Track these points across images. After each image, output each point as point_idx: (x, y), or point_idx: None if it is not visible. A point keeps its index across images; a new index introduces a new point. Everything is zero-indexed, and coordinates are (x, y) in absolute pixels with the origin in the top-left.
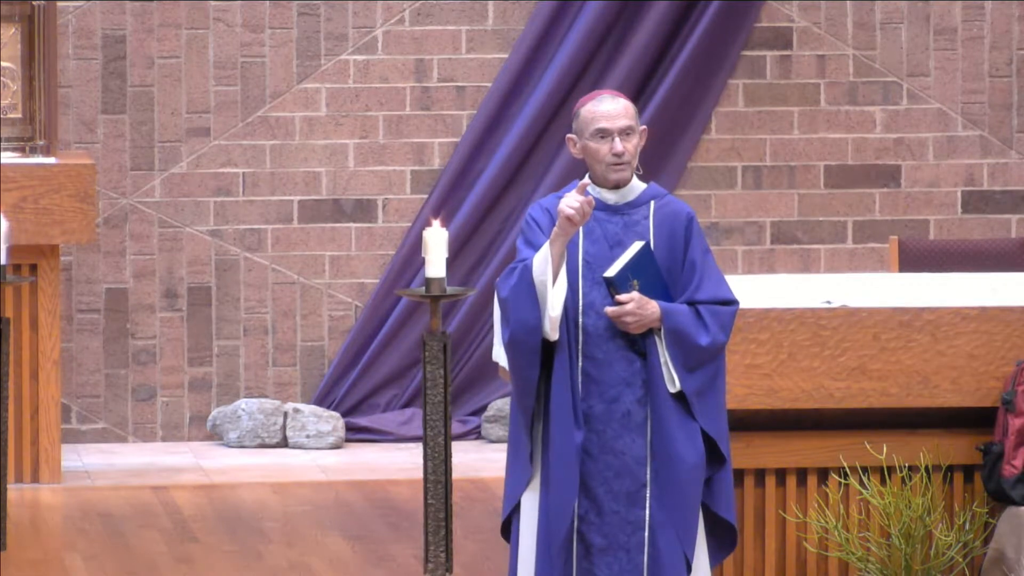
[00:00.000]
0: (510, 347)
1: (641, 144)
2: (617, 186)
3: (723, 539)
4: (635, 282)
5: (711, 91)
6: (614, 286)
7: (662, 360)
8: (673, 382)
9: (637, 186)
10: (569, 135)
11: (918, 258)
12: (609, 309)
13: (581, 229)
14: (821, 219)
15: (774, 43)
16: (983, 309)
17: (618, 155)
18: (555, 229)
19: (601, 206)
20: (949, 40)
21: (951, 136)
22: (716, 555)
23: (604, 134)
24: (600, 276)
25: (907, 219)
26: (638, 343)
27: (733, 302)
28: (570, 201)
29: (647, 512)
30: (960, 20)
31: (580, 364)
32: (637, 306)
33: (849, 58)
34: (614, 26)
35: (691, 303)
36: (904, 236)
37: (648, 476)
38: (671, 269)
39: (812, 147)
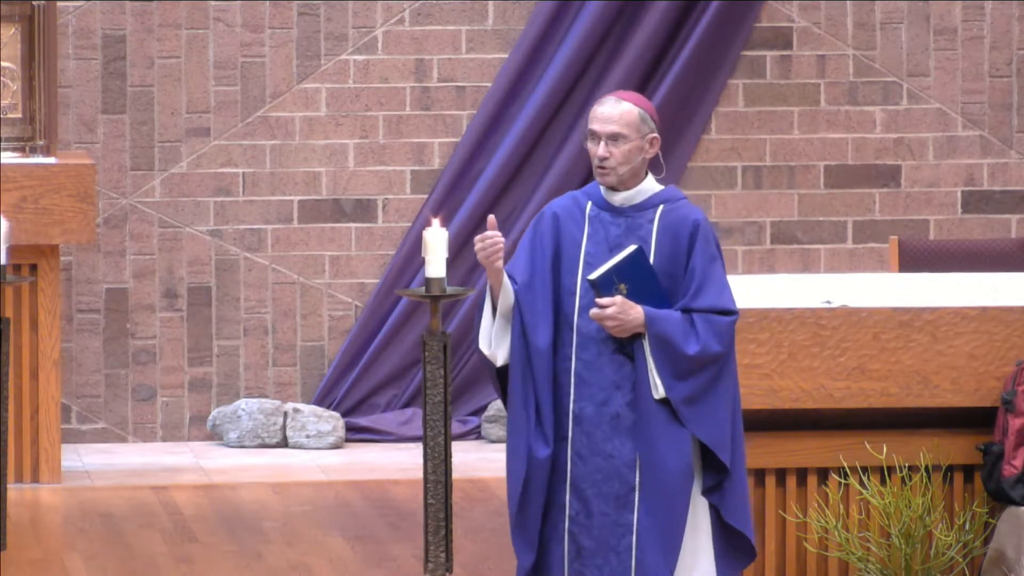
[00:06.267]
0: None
1: (653, 152)
2: (615, 188)
3: (738, 548)
4: (622, 286)
5: (711, 91)
6: (597, 288)
7: (648, 366)
8: (656, 388)
9: (647, 189)
10: None
11: (918, 258)
12: (591, 312)
13: (585, 230)
14: (821, 219)
15: (774, 43)
16: (983, 309)
17: (600, 159)
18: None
19: (606, 206)
20: (949, 40)
21: (951, 136)
22: (732, 564)
23: (593, 136)
24: None
25: (907, 219)
26: (628, 346)
27: (731, 312)
28: (478, 245)
29: (635, 516)
30: (960, 20)
31: (573, 366)
32: (619, 310)
33: (849, 58)
34: (614, 26)
35: (687, 310)
36: (904, 236)
37: (637, 480)
38: (673, 275)
39: (812, 147)
